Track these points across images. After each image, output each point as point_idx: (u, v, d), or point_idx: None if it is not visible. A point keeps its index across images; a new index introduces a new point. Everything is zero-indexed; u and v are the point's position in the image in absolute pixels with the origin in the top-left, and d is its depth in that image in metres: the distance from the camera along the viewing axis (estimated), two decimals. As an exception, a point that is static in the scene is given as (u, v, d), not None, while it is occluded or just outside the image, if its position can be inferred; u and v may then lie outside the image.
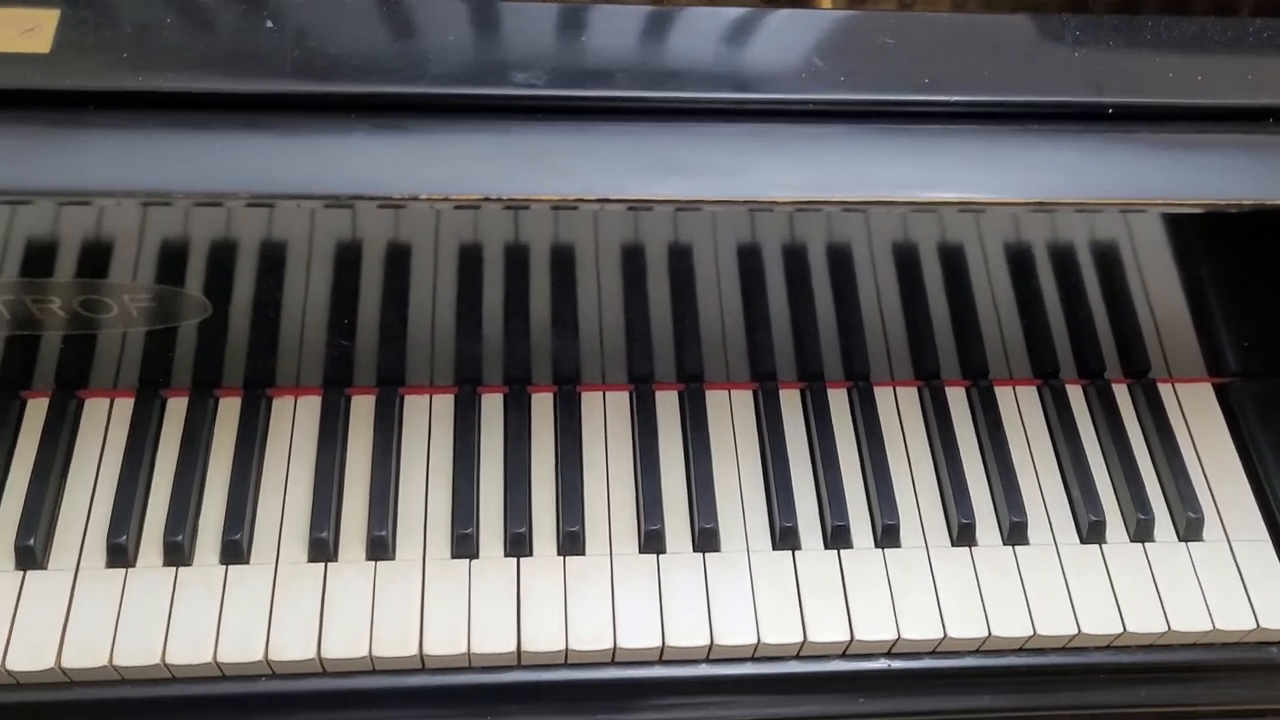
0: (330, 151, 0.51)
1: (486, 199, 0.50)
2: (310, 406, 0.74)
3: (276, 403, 0.74)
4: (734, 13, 0.56)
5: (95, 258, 0.59)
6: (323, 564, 0.68)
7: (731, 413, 0.77)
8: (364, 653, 0.65)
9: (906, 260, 0.69)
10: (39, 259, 0.59)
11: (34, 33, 0.50)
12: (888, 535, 0.71)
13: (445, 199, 0.50)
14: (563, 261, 0.67)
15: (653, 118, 0.53)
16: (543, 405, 0.76)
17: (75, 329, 0.66)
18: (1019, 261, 0.69)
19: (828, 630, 0.68)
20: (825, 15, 0.57)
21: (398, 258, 0.63)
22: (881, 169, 0.53)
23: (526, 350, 0.74)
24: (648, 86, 0.53)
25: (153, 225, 0.57)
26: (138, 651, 0.63)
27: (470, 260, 0.66)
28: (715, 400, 0.77)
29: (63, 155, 0.49)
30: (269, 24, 0.53)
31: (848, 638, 0.68)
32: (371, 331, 0.70)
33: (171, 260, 0.60)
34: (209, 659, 0.64)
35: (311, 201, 0.51)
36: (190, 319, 0.66)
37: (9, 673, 0.63)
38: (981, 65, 0.57)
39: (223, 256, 0.60)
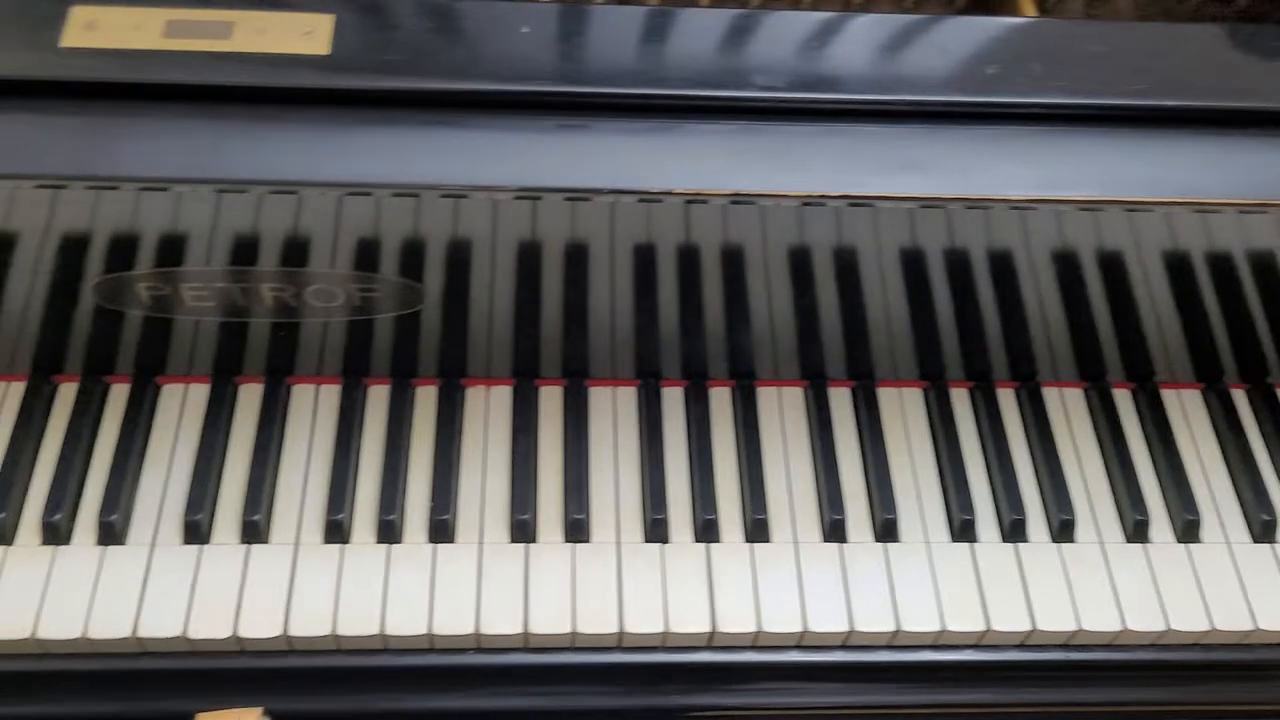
0: (589, 150, 0.54)
1: (738, 195, 0.53)
2: (502, 396, 0.78)
3: (470, 392, 0.77)
4: (953, 21, 0.59)
5: (329, 249, 0.63)
6: (524, 545, 0.71)
7: (903, 409, 0.79)
8: (568, 629, 0.68)
9: (1073, 262, 0.71)
10: (293, 248, 0.63)
11: (313, 35, 0.54)
12: (1064, 530, 0.74)
13: (698, 194, 0.53)
14: (737, 261, 0.70)
15: (885, 119, 0.56)
16: (721, 399, 0.79)
17: (298, 317, 0.70)
18: (1186, 265, 0.71)
19: (1010, 620, 0.70)
20: (1038, 24, 0.60)
21: (607, 255, 0.67)
22: (1109, 169, 0.55)
23: (705, 346, 0.77)
24: (880, 90, 0.56)
25: (392, 216, 0.61)
26: (358, 621, 0.67)
27: (647, 258, 0.69)
28: (887, 397, 0.79)
29: (343, 150, 0.53)
30: (524, 29, 0.56)
31: (1029, 628, 0.70)
32: (563, 326, 0.73)
33: (405, 251, 0.64)
34: (424, 630, 0.67)
35: (574, 196, 0.54)
36: (408, 309, 0.70)
37: (239, 639, 0.67)
38: (1189, 72, 0.59)
39: (453, 249, 0.64)
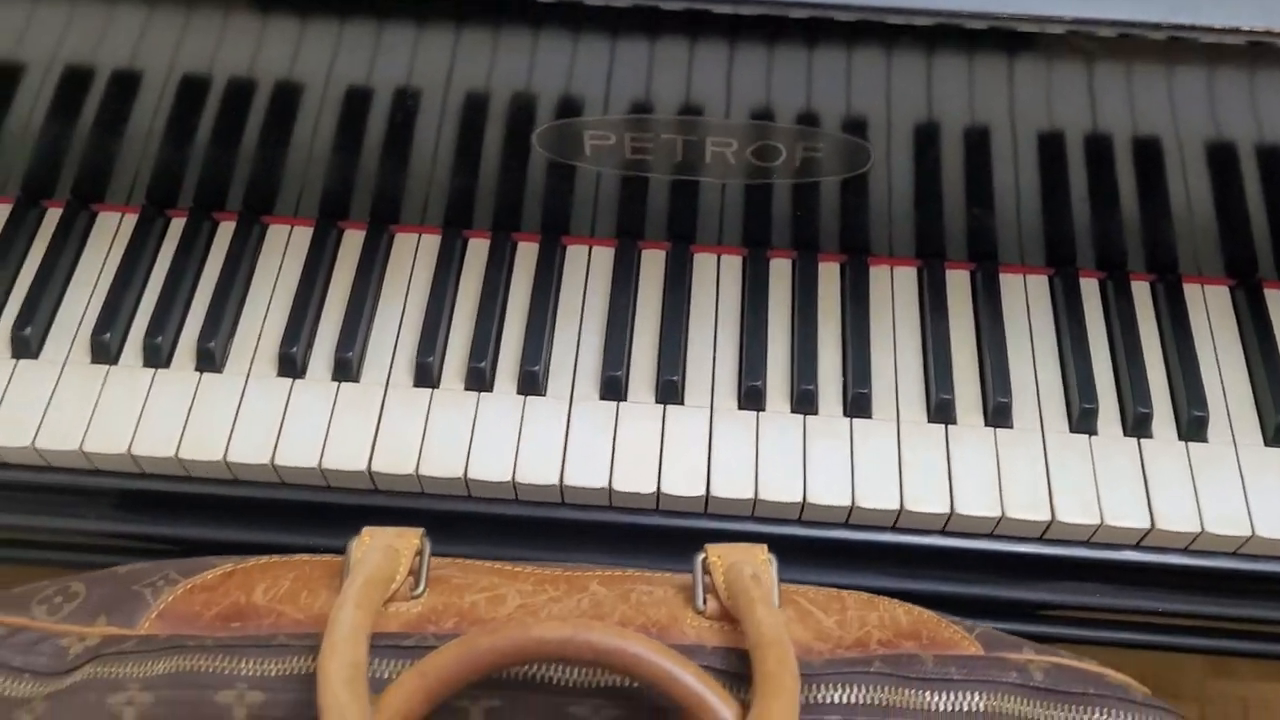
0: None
1: None
2: (907, 278, 0.75)
3: (874, 271, 0.76)
4: None
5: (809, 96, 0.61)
6: (941, 425, 0.69)
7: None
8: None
9: None
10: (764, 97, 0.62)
11: None
12: None
13: None
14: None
15: None
16: (1142, 293, 0.75)
17: (723, 177, 0.69)
18: None
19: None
20: None
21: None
22: None
23: (1123, 234, 0.73)
24: None
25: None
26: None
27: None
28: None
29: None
30: None
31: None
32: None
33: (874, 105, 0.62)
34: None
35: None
36: (846, 173, 0.68)
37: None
38: None
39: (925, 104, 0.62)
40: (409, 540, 0.50)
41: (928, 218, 0.72)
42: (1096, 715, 0.47)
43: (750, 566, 0.49)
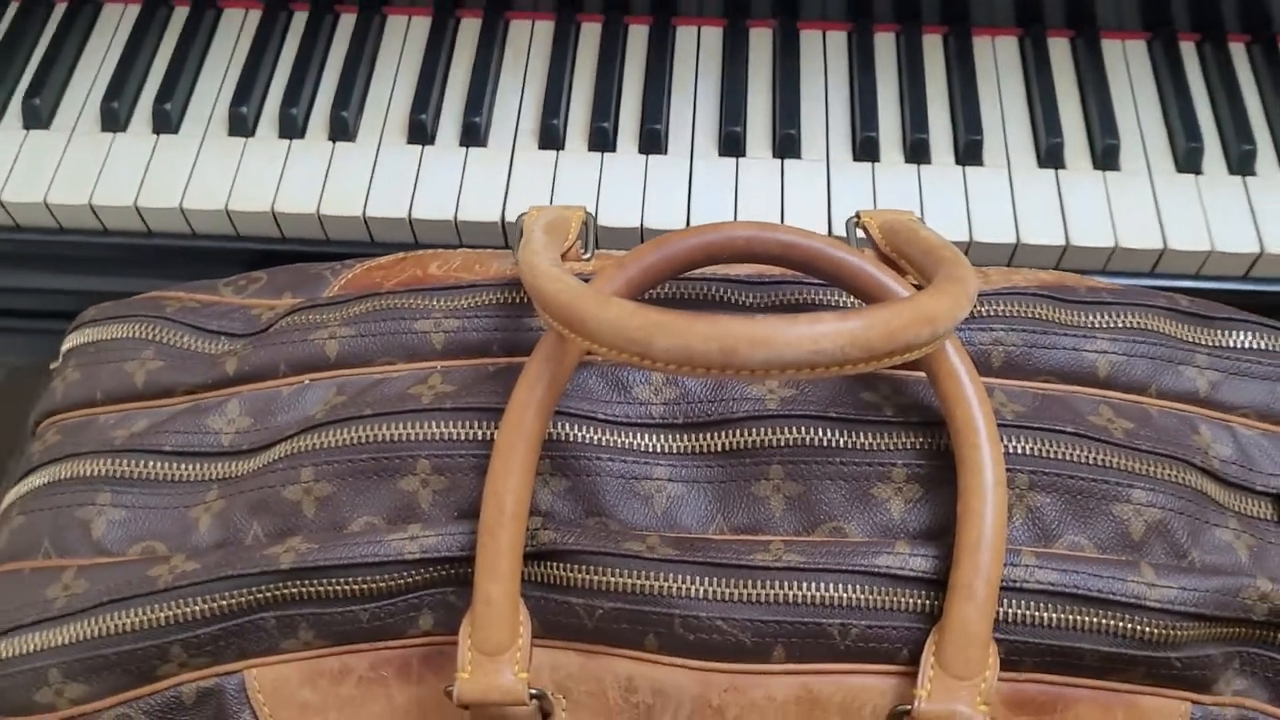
0: None
1: None
2: (1009, 45, 0.78)
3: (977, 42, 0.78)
4: None
5: None
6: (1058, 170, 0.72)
7: None
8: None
9: None
10: None
11: None
12: None
13: None
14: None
15: None
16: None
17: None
18: None
19: None
20: None
21: None
22: None
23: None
24: None
25: None
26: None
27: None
28: None
29: None
30: None
31: None
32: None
33: None
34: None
35: None
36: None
37: None
38: None
39: None
40: (575, 212, 0.53)
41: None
42: (1240, 335, 0.49)
43: (905, 218, 0.51)
